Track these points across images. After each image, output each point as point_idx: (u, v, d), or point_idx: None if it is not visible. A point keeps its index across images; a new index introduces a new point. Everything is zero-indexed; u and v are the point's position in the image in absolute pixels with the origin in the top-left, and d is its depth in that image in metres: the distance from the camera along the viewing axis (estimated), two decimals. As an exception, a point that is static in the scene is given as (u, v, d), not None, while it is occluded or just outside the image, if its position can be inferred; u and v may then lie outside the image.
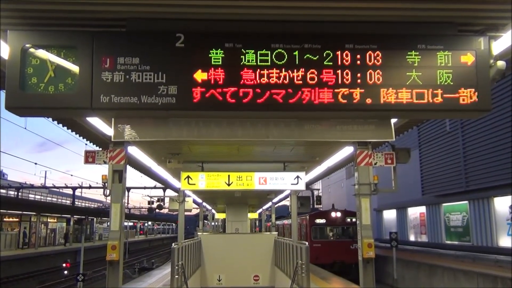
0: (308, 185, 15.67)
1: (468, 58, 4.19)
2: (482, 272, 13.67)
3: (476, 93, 4.15)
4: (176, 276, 9.43)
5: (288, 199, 19.41)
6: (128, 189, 33.39)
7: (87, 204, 57.79)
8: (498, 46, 4.26)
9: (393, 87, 4.17)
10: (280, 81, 4.12)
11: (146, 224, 78.51)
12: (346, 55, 4.16)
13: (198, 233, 19.56)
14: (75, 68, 4.04)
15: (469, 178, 18.47)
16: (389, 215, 29.37)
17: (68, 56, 4.05)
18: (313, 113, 4.31)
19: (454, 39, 4.22)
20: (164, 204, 28.86)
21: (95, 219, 46.09)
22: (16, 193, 34.94)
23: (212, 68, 4.10)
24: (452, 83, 4.17)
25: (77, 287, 14.83)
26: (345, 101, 4.15)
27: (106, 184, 6.76)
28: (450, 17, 4.17)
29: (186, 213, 16.32)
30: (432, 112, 4.31)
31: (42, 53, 4.03)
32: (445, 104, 4.17)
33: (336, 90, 4.14)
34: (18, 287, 21.53)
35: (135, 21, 4.13)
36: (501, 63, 4.19)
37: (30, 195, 39.12)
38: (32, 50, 4.02)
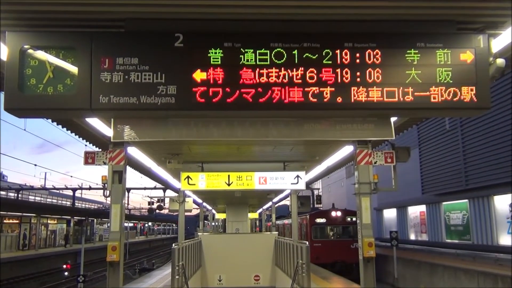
0: (308, 184, 15.65)
1: (467, 56, 4.18)
2: (483, 270, 13.68)
3: (476, 91, 4.15)
4: (177, 277, 9.43)
5: (288, 198, 19.41)
6: (128, 190, 33.38)
7: (87, 205, 57.74)
8: (498, 44, 4.26)
9: (393, 86, 4.16)
10: (280, 80, 4.11)
11: (146, 225, 78.49)
12: (345, 54, 4.15)
13: (199, 234, 19.55)
14: (74, 69, 4.03)
15: (469, 176, 18.47)
16: (389, 214, 29.38)
17: (67, 57, 4.05)
18: (314, 112, 4.30)
19: (453, 37, 4.21)
20: (164, 205, 28.86)
21: (95, 220, 46.10)
22: (16, 194, 34.93)
23: (211, 68, 4.09)
24: (451, 81, 4.16)
25: (78, 288, 14.82)
26: (345, 100, 4.14)
27: (106, 185, 6.75)
28: (449, 15, 4.16)
29: (186, 213, 16.30)
30: (432, 110, 4.31)
31: (40, 54, 4.02)
32: (445, 102, 4.16)
33: (335, 89, 4.14)
34: (18, 289, 21.52)
35: (133, 21, 4.12)
36: (500, 61, 4.19)
37: (30, 197, 39.10)
38: (30, 51, 4.01)
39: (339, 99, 4.13)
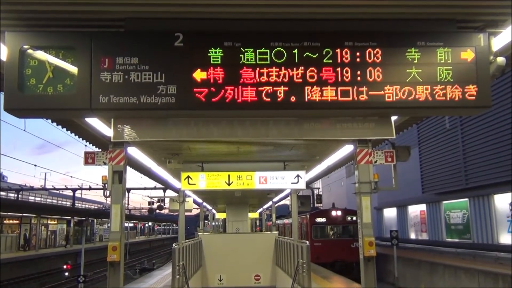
0: (308, 184, 15.65)
1: (468, 55, 4.17)
2: (483, 269, 13.68)
3: (476, 90, 4.14)
4: (177, 277, 9.43)
5: (288, 198, 19.41)
6: (128, 190, 33.36)
7: (87, 206, 57.75)
8: (498, 42, 4.26)
9: (393, 85, 4.15)
10: (280, 80, 4.10)
11: (146, 225, 78.52)
12: (346, 53, 4.14)
13: (199, 233, 19.55)
14: (73, 69, 4.02)
15: (469, 175, 18.47)
16: (390, 213, 29.39)
17: (66, 57, 4.03)
18: (315, 112, 4.29)
19: (453, 35, 4.20)
20: (164, 205, 28.85)
21: (95, 220, 46.09)
22: (16, 195, 34.92)
23: (212, 67, 4.08)
24: (452, 80, 4.16)
25: (78, 289, 14.82)
26: (346, 98, 4.13)
27: (106, 185, 6.75)
28: (450, 13, 4.16)
29: (187, 213, 16.30)
30: (433, 109, 4.29)
31: (40, 54, 4.01)
32: (445, 101, 4.15)
33: (336, 88, 4.13)
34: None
35: (133, 21, 4.11)
36: (501, 60, 4.18)
37: (30, 197, 39.09)
38: (30, 51, 4.00)
39: (340, 98, 4.12)
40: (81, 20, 4.11)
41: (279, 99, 4.10)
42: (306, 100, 4.11)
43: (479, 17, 4.21)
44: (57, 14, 3.98)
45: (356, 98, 4.13)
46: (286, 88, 4.10)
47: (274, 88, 4.10)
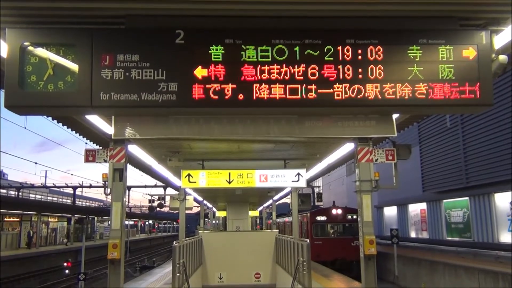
0: (309, 182, 15.65)
1: (470, 53, 4.15)
2: (483, 268, 13.68)
3: (478, 88, 4.12)
4: (178, 275, 9.44)
5: (289, 196, 19.39)
6: (129, 188, 33.38)
7: (88, 203, 57.82)
8: (500, 40, 4.24)
9: (395, 82, 4.14)
10: (281, 77, 4.09)
11: (147, 223, 78.64)
12: (347, 50, 4.13)
13: (199, 231, 19.56)
14: (74, 66, 4.01)
15: (469, 174, 18.47)
16: (390, 212, 29.40)
17: (67, 54, 4.02)
18: (320, 109, 4.28)
19: (455, 33, 4.18)
20: (165, 203, 28.87)
21: (96, 218, 46.14)
22: (16, 193, 34.95)
23: (213, 65, 4.07)
24: (453, 78, 4.14)
25: (79, 286, 14.84)
26: (347, 96, 4.12)
27: (106, 183, 6.76)
28: (451, 11, 4.14)
29: (187, 211, 16.31)
30: (434, 107, 4.28)
31: (41, 51, 4.00)
32: (447, 99, 4.14)
33: (338, 86, 4.12)
34: (20, 287, 21.53)
35: (134, 17, 4.10)
36: (503, 57, 4.16)
37: (30, 195, 39.16)
38: (30, 48, 3.99)
39: (342, 96, 4.12)
40: (81, 17, 4.10)
41: (279, 97, 4.08)
42: (306, 97, 4.10)
43: (481, 14, 4.19)
44: (57, 11, 3.97)
45: (357, 96, 4.12)
46: (285, 86, 4.08)
47: (274, 86, 4.08)
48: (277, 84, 4.09)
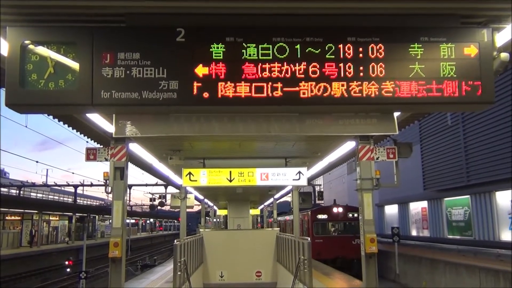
0: (310, 180, 15.64)
1: (471, 50, 4.14)
2: (484, 266, 13.66)
3: (480, 86, 4.11)
4: (179, 273, 9.44)
5: (290, 195, 19.40)
6: (130, 186, 33.40)
7: (89, 202, 57.87)
8: (501, 38, 4.23)
9: (396, 80, 4.13)
10: (282, 75, 4.08)
11: (148, 222, 78.77)
12: (349, 48, 4.11)
13: (200, 230, 19.57)
14: (75, 64, 4.01)
15: (470, 172, 18.45)
16: (391, 210, 29.39)
17: (68, 52, 4.02)
18: (321, 107, 4.28)
19: (457, 31, 4.17)
20: (165, 201, 28.90)
21: (97, 216, 46.19)
22: (17, 191, 35.01)
23: (214, 63, 4.07)
24: (455, 76, 4.13)
25: (80, 285, 14.87)
26: (347, 94, 4.11)
27: (107, 181, 6.75)
28: (453, 9, 4.13)
29: (188, 210, 16.31)
30: (436, 105, 4.27)
31: (41, 50, 4.00)
32: (449, 97, 4.13)
33: (338, 84, 4.11)
34: (21, 286, 21.58)
35: (135, 16, 4.09)
36: (504, 55, 4.15)
37: (31, 194, 39.19)
38: (31, 46, 3.99)
39: (342, 94, 4.11)
40: (82, 15, 4.09)
41: (281, 95, 4.08)
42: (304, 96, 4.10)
43: (482, 12, 4.18)
44: (58, 9, 3.96)
45: (358, 94, 4.11)
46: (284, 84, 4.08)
47: (276, 84, 4.08)
48: (278, 82, 4.08)
